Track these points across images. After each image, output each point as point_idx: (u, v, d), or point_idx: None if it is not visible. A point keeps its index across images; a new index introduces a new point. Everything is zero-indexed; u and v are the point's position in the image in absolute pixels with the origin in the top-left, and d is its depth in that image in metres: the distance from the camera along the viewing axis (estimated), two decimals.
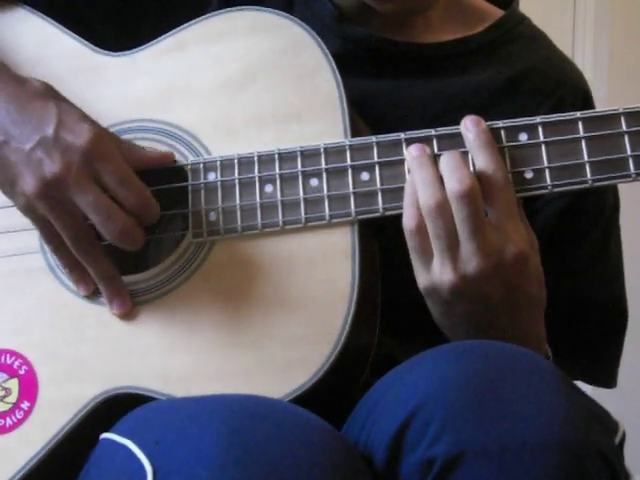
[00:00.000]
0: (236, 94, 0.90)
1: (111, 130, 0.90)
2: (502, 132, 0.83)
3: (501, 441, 0.67)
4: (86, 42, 0.97)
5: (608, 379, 1.06)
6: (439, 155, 0.83)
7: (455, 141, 0.83)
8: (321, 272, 0.83)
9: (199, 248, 0.87)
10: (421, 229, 0.81)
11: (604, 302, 1.04)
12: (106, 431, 0.78)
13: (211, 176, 0.88)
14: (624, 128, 0.81)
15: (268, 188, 0.87)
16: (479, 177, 0.80)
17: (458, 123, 0.84)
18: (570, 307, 1.01)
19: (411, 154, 0.83)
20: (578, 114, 0.82)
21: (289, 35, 0.91)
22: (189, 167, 0.89)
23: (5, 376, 0.87)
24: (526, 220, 0.84)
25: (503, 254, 0.79)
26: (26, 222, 0.88)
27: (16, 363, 0.87)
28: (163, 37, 0.95)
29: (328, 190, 0.85)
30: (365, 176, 0.85)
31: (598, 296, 1.04)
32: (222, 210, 0.87)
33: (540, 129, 0.82)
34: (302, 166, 0.86)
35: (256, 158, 0.87)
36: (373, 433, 0.74)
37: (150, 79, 0.94)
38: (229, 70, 0.91)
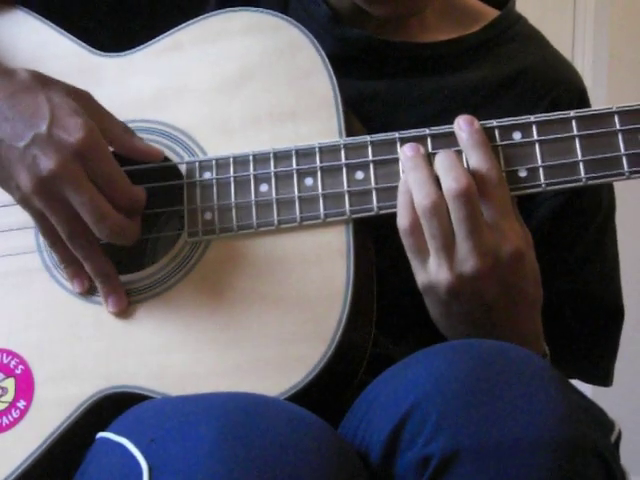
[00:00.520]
0: (232, 94, 0.91)
1: None
2: (496, 131, 0.83)
3: (497, 439, 0.67)
4: (83, 43, 0.97)
5: (604, 377, 1.06)
6: (434, 154, 0.83)
7: (449, 140, 0.83)
8: (316, 271, 0.83)
9: (194, 247, 0.87)
10: (416, 228, 0.81)
11: (600, 300, 1.04)
12: (102, 430, 0.78)
13: (207, 175, 0.88)
14: (618, 126, 0.81)
15: (263, 187, 0.87)
16: (473, 176, 0.80)
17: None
18: (566, 305, 1.01)
19: (405, 154, 0.83)
20: (572, 113, 0.82)
21: (285, 36, 0.91)
22: (185, 166, 0.89)
23: (1, 375, 0.87)
24: (520, 218, 0.84)
25: (499, 253, 0.79)
26: (22, 222, 0.89)
27: (12, 362, 0.87)
28: (160, 37, 0.95)
29: (323, 189, 0.85)
30: (360, 175, 0.85)
31: (594, 294, 1.04)
32: (217, 209, 0.87)
33: (534, 128, 0.82)
34: (297, 165, 0.86)
35: (251, 157, 0.87)
36: (369, 431, 0.74)
37: (147, 79, 0.94)
38: (225, 70, 0.92)
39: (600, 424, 0.73)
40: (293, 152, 0.87)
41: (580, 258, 1.03)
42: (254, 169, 0.87)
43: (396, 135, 0.85)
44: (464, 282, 0.80)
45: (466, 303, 0.81)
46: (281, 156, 0.87)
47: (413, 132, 0.85)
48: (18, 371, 0.87)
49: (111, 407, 0.82)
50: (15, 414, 0.86)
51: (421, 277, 0.82)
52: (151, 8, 1.02)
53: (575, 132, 0.81)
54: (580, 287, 1.03)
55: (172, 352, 0.84)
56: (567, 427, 0.68)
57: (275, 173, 0.87)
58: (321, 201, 0.85)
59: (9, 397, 0.86)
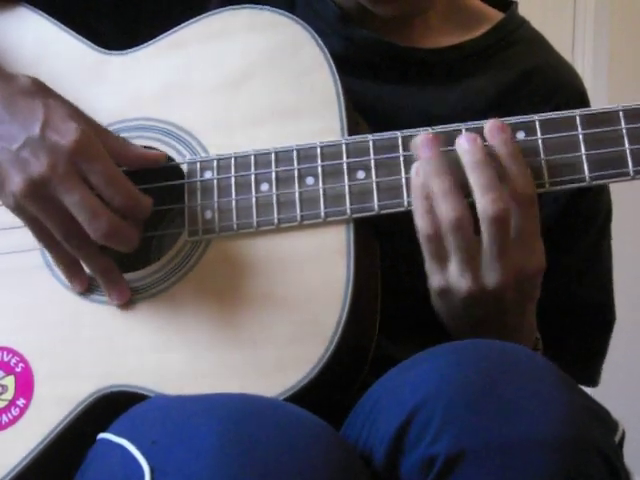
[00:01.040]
0: (234, 92, 0.90)
1: (110, 129, 0.89)
2: None
3: (502, 439, 0.67)
4: (86, 41, 0.97)
5: (591, 378, 1.06)
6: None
7: (452, 140, 0.83)
8: (316, 270, 0.83)
9: (195, 246, 0.87)
10: (438, 236, 0.80)
11: (593, 304, 1.05)
12: (101, 429, 0.78)
13: (207, 175, 0.88)
14: (623, 126, 0.80)
15: (264, 186, 0.86)
16: (509, 190, 0.79)
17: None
18: (560, 307, 1.01)
19: (420, 150, 0.81)
20: (576, 112, 0.82)
21: (287, 33, 0.91)
22: (186, 165, 0.89)
23: (1, 373, 0.87)
24: None
25: (525, 269, 0.80)
26: None
27: (13, 360, 0.87)
28: (163, 35, 0.95)
29: (324, 188, 0.85)
30: (361, 174, 0.85)
31: (588, 298, 1.04)
32: (218, 208, 0.87)
33: (538, 127, 0.82)
34: (298, 165, 0.86)
35: (252, 158, 0.87)
36: (373, 432, 0.73)
37: (150, 77, 0.94)
38: (228, 68, 0.91)
39: (604, 424, 0.73)
40: (294, 152, 0.86)
41: (576, 262, 1.03)
42: (255, 169, 0.87)
43: (398, 134, 0.85)
44: (486, 292, 0.80)
45: (483, 309, 0.81)
46: (282, 156, 0.87)
47: (416, 131, 0.84)
48: (18, 369, 0.87)
49: (110, 406, 0.82)
50: (15, 412, 0.85)
51: (437, 279, 0.82)
52: (154, 6, 1.01)
53: (579, 131, 0.81)
54: (575, 290, 1.03)
55: (171, 351, 0.84)
56: (572, 427, 0.68)
57: (276, 173, 0.86)
58: (322, 201, 0.85)
59: (9, 395, 0.86)
